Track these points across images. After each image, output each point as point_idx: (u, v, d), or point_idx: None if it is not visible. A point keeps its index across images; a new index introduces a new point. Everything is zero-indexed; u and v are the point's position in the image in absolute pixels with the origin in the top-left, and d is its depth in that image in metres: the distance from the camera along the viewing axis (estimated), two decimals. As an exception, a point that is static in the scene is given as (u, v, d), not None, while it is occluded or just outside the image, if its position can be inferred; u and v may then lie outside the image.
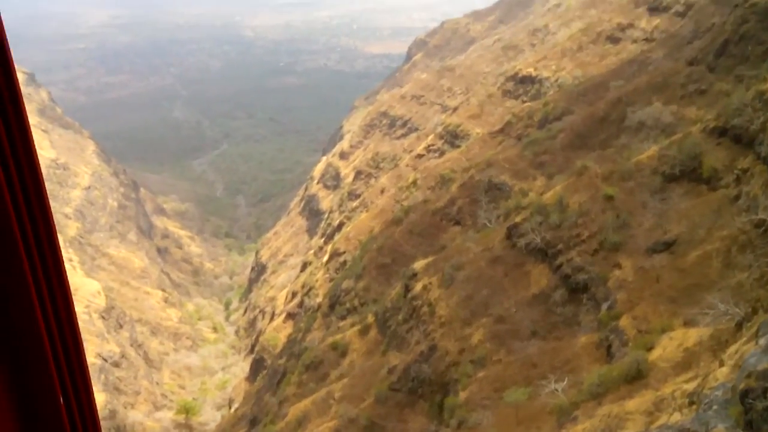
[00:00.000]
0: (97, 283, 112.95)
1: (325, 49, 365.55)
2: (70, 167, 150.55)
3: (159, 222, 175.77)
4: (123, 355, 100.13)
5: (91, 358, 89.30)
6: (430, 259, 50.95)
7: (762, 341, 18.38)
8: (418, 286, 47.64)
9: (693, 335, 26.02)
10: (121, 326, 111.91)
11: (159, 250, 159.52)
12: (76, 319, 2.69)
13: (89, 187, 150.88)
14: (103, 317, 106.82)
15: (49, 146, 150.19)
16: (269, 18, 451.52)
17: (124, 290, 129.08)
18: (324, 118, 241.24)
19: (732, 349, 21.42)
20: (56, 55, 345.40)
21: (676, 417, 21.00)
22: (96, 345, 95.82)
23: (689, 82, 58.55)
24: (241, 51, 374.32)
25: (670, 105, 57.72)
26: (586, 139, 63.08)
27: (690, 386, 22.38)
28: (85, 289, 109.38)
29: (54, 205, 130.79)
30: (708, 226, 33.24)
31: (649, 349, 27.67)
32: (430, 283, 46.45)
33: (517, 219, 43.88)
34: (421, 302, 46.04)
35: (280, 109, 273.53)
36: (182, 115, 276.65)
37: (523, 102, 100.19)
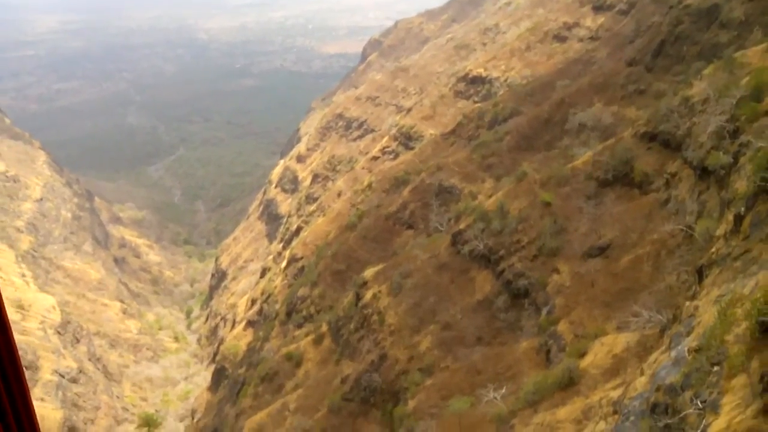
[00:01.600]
0: (51, 297, 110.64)
1: (281, 50, 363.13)
2: (21, 179, 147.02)
3: (115, 231, 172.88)
4: (81, 370, 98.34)
5: (47, 375, 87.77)
6: (379, 266, 51.40)
7: (673, 353, 19.19)
8: (368, 295, 48.05)
9: (622, 341, 26.91)
10: (78, 340, 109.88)
11: (116, 260, 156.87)
12: (13, 342, 2.82)
13: (41, 199, 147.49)
14: (58, 332, 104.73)
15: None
16: (223, 20, 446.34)
17: (81, 303, 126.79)
18: (282, 119, 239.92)
19: (652, 357, 22.27)
20: (5, 63, 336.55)
21: (601, 426, 21.78)
22: (52, 361, 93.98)
23: (628, 82, 60.09)
24: (196, 54, 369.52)
25: (611, 106, 59.16)
26: (532, 141, 64.24)
27: (615, 394, 23.21)
28: (39, 305, 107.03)
29: (4, 219, 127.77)
30: (640, 230, 34.28)
31: (582, 355, 28.52)
32: (380, 292, 46.89)
33: (461, 226, 44.55)
34: (371, 311, 46.46)
35: (238, 111, 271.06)
36: (137, 120, 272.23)
37: (475, 102, 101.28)
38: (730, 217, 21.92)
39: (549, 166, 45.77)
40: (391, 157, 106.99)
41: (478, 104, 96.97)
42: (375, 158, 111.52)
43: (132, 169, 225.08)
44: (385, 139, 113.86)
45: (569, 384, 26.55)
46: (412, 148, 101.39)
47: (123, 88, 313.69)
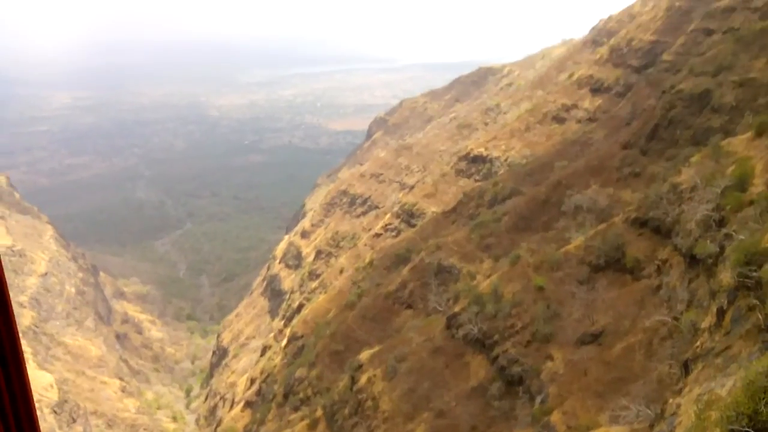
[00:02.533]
0: (50, 375, 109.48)
1: (290, 127, 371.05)
2: (27, 254, 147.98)
3: (119, 306, 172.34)
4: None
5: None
6: (375, 349, 50.85)
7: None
8: (363, 379, 47.32)
9: (613, 435, 26.24)
10: (74, 420, 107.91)
11: (118, 336, 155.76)
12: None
13: (46, 274, 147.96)
14: (55, 411, 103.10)
15: (5, 233, 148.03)
16: (234, 98, 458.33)
17: (80, 380, 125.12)
18: (289, 194, 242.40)
19: (639, 455, 21.68)
20: (18, 138, 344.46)
21: None
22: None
23: (623, 165, 60.86)
24: (206, 130, 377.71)
25: (606, 188, 59.74)
26: (530, 222, 64.62)
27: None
28: (37, 383, 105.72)
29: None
30: (632, 317, 33.98)
31: (573, 449, 27.78)
32: (375, 376, 46.20)
33: (456, 309, 44.27)
34: (366, 395, 45.64)
35: (245, 186, 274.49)
36: (145, 195, 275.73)
37: (476, 181, 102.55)
38: (714, 309, 21.80)
39: (543, 250, 45.80)
40: (394, 234, 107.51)
41: (479, 183, 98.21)
42: (377, 235, 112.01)
43: (138, 244, 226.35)
44: (388, 216, 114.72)
45: (559, 481, 25.75)
46: (414, 226, 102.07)
47: (133, 163, 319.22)
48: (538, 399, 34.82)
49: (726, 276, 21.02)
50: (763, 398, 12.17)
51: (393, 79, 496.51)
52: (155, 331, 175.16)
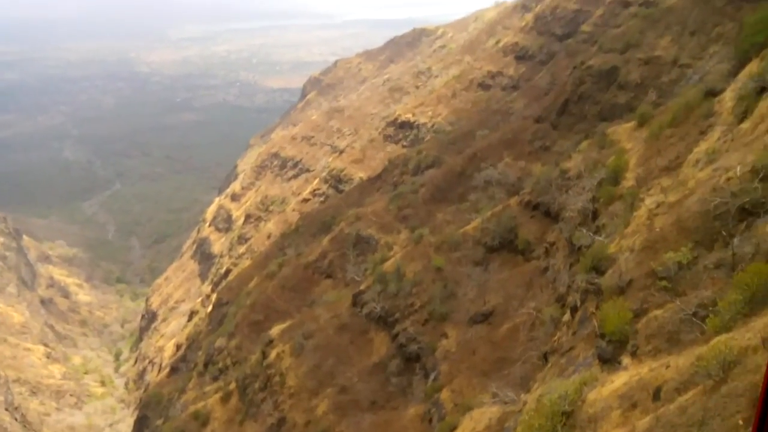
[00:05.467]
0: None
1: (224, 84, 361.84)
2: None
3: (44, 270, 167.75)
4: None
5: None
6: (286, 324, 51.51)
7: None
8: (272, 354, 48.01)
9: (486, 417, 27.62)
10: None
11: (43, 301, 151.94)
12: None
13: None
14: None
15: None
16: (166, 54, 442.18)
17: (1, 348, 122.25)
18: (223, 154, 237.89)
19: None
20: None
21: None
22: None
23: (535, 138, 62.35)
24: (136, 88, 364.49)
25: (519, 161, 61.19)
26: (446, 193, 65.74)
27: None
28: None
29: None
30: (520, 298, 35.45)
31: (453, 429, 29.14)
32: (283, 351, 46.93)
33: (362, 287, 45.16)
34: (275, 371, 46.40)
35: (178, 146, 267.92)
36: (72, 155, 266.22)
37: (403, 147, 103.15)
38: (569, 307, 23.03)
39: (444, 230, 46.96)
40: (321, 199, 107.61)
41: (406, 149, 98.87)
42: (306, 200, 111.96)
43: (65, 205, 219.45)
44: (316, 181, 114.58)
45: (435, 462, 27.12)
46: (341, 191, 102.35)
47: (59, 122, 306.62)
48: (432, 376, 36.20)
49: (579, 276, 22.19)
50: (560, 421, 13.19)
51: (331, 35, 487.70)
52: (83, 295, 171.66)
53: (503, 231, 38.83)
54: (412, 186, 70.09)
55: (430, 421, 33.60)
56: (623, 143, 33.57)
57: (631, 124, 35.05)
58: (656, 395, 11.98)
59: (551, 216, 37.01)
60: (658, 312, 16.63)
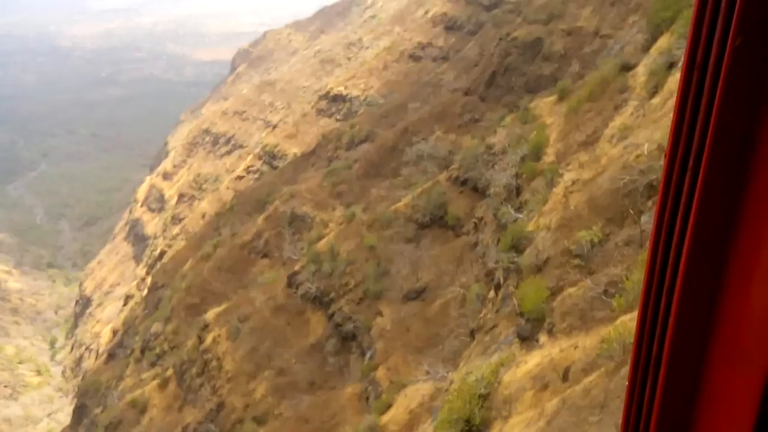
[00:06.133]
0: None
1: (151, 57, 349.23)
2: None
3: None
4: None
5: None
6: (222, 307, 51.06)
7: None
8: (209, 339, 47.60)
9: (419, 394, 28.25)
10: None
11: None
12: None
13: None
14: None
15: None
16: (87, 26, 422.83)
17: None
18: (152, 131, 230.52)
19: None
20: None
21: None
22: None
23: (464, 111, 62.96)
24: (58, 63, 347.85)
25: (449, 134, 61.74)
26: (379, 168, 65.87)
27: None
28: None
29: None
30: (451, 274, 36.07)
31: (388, 407, 29.69)
32: (219, 336, 46.60)
33: (296, 267, 45.09)
34: (212, 356, 46.09)
35: (104, 123, 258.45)
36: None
37: (336, 120, 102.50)
38: (493, 284, 23.62)
39: (375, 208, 47.20)
40: (256, 176, 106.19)
41: (339, 123, 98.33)
42: (240, 178, 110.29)
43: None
44: (250, 157, 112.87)
45: (371, 441, 27.62)
46: (276, 168, 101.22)
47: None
48: (368, 355, 36.64)
49: (500, 255, 22.71)
50: (477, 404, 13.63)
51: (261, 4, 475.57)
52: (13, 282, 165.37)
53: (433, 207, 39.32)
54: (345, 162, 69.98)
55: (367, 399, 34.11)
56: (545, 118, 34.28)
57: (553, 98, 35.79)
58: (565, 376, 12.49)
59: (479, 191, 37.64)
60: (572, 290, 17.25)
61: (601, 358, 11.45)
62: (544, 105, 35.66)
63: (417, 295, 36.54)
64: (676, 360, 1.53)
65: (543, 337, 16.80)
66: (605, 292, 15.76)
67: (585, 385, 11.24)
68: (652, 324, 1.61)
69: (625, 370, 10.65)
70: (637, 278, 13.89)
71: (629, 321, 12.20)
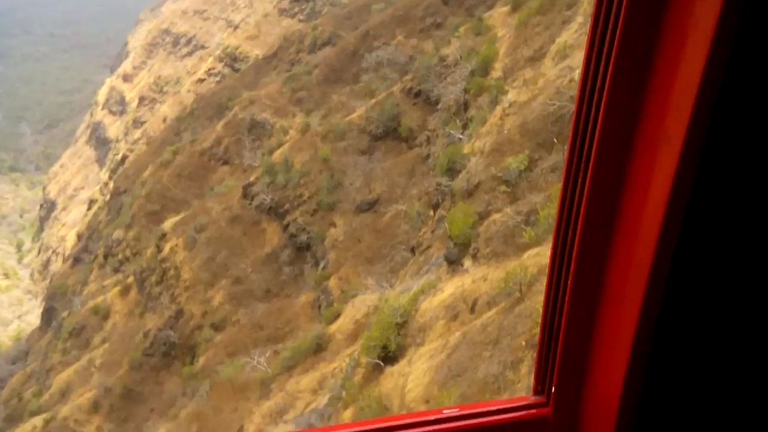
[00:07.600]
0: None
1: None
2: None
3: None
4: None
5: None
6: (179, 216, 51.20)
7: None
8: (167, 248, 48.01)
9: (365, 304, 29.17)
10: None
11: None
12: None
13: None
14: None
15: None
16: None
17: None
18: (112, 29, 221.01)
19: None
20: None
21: (324, 400, 24.01)
22: None
23: (427, 15, 61.32)
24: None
25: (411, 38, 60.37)
26: (340, 74, 64.61)
27: (343, 365, 25.47)
28: None
29: None
30: (404, 186, 36.43)
31: (336, 317, 30.72)
32: (177, 245, 47.03)
33: (251, 178, 45.06)
34: (170, 264, 46.67)
35: (62, 22, 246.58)
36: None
37: (300, 21, 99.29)
38: (432, 204, 24.00)
39: (329, 120, 46.77)
40: (217, 79, 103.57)
41: (302, 23, 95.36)
42: (201, 80, 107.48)
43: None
44: (211, 59, 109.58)
45: (318, 350, 28.71)
46: (237, 70, 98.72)
47: None
48: (321, 264, 37.45)
49: (435, 178, 22.92)
50: (394, 332, 14.24)
51: None
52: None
53: (387, 119, 39.10)
54: (306, 67, 68.44)
55: (320, 307, 35.15)
56: (497, 29, 33.70)
57: (506, 8, 35.03)
58: (473, 308, 13.07)
59: (432, 103, 37.41)
60: (497, 216, 17.67)
61: (501, 295, 11.95)
62: (498, 15, 34.96)
63: (369, 206, 37.00)
64: (579, 291, 1.73)
65: (468, 262, 17.36)
66: (526, 220, 16.19)
67: (484, 321, 11.80)
68: (561, 257, 1.80)
69: (521, 308, 11.19)
70: (549, 212, 14.29)
71: (534, 256, 12.66)
